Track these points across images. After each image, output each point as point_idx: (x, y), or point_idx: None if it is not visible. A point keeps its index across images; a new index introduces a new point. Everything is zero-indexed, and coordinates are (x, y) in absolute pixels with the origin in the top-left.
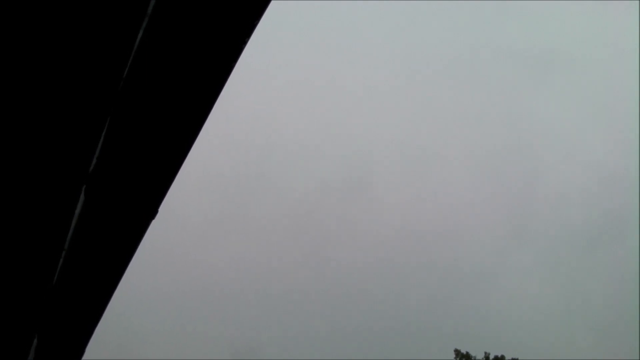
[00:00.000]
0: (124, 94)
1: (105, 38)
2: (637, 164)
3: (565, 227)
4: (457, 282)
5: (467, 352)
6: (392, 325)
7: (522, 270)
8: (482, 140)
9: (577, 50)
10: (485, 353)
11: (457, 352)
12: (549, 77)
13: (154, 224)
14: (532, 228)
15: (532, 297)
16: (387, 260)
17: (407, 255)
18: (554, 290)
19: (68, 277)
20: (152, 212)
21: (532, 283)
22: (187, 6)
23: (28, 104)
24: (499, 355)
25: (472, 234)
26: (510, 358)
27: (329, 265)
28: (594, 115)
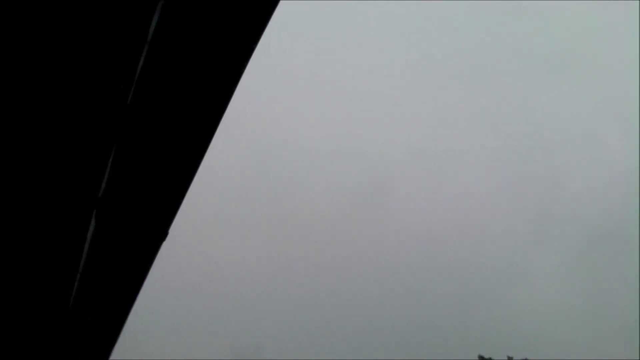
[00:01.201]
0: (129, 118)
1: (108, 65)
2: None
3: (588, 226)
4: (478, 284)
5: (490, 358)
6: (411, 329)
7: (545, 271)
8: (499, 141)
9: (588, 49)
10: (508, 357)
11: (480, 357)
12: (564, 75)
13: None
14: (555, 228)
15: (556, 298)
16: (407, 264)
17: (427, 259)
18: (578, 290)
19: (84, 299)
20: (162, 234)
21: (555, 283)
22: (185, 34)
23: (39, 131)
24: (522, 359)
25: (494, 235)
26: None
27: (342, 268)
28: (610, 112)
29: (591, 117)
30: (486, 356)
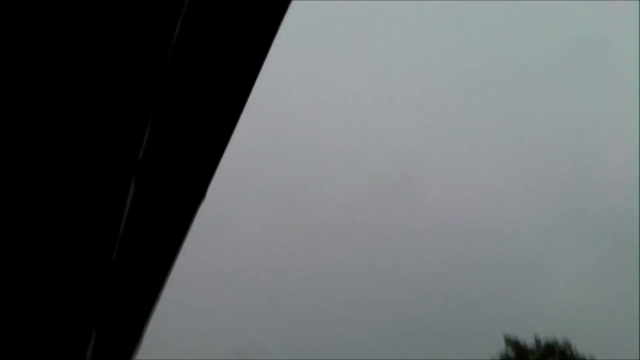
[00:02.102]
0: (167, 80)
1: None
2: None
3: (619, 215)
4: (505, 274)
5: (517, 337)
6: (433, 322)
7: (574, 258)
8: (528, 130)
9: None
10: (536, 339)
11: (507, 339)
12: (591, 64)
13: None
14: (585, 217)
15: (584, 284)
16: (431, 258)
17: (453, 251)
18: (607, 276)
19: (123, 266)
20: (201, 194)
21: (584, 269)
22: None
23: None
24: (551, 341)
25: (521, 226)
26: (562, 342)
27: (349, 267)
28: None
29: (622, 105)
30: (512, 335)
